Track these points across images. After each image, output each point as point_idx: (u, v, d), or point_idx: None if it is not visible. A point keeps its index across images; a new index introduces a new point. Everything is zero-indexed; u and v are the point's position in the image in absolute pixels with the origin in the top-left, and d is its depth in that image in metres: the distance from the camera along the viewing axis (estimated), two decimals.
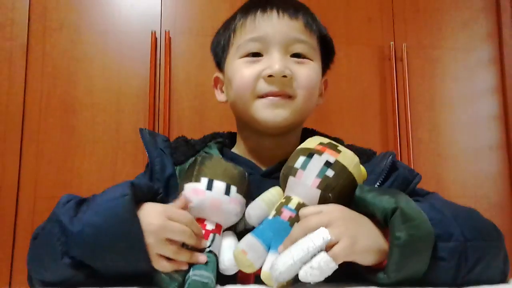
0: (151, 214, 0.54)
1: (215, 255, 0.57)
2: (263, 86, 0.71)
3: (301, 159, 0.58)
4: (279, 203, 0.58)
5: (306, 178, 0.56)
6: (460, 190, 1.76)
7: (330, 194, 0.55)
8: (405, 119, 1.74)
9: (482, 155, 1.80)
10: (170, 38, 1.63)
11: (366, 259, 0.52)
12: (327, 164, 0.56)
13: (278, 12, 0.73)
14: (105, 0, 1.64)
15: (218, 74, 0.82)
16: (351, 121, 1.72)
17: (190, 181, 0.60)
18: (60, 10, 1.61)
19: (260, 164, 0.76)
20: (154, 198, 0.61)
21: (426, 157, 1.76)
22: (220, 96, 0.83)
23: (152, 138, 0.74)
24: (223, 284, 0.56)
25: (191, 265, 0.55)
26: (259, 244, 0.54)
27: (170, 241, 0.54)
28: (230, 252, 0.57)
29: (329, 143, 0.60)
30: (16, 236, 1.47)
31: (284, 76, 0.69)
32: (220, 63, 0.81)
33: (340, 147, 0.59)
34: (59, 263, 0.53)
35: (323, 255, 0.49)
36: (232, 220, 0.61)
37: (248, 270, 0.55)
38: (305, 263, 0.49)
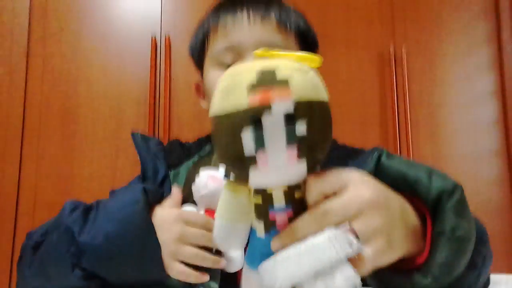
0: (167, 220, 0.53)
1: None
2: None
3: (247, 135, 0.34)
4: (255, 205, 0.39)
5: (275, 159, 0.35)
6: None
7: (319, 154, 0.37)
8: (404, 123, 1.74)
9: (482, 159, 1.80)
10: (170, 43, 1.64)
11: (398, 256, 0.39)
12: (289, 118, 0.34)
13: (248, 13, 0.70)
14: (105, 5, 1.65)
15: (199, 81, 0.81)
16: (351, 125, 1.72)
17: (208, 166, 0.58)
18: (60, 15, 1.62)
19: None
20: (160, 201, 0.60)
21: (426, 161, 1.76)
22: (203, 103, 0.81)
23: (145, 142, 0.73)
24: (224, 283, 0.55)
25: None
26: None
27: (191, 245, 0.53)
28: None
29: (261, 76, 0.35)
30: (16, 242, 1.47)
31: None
32: (199, 68, 0.79)
33: (279, 71, 0.35)
34: (69, 275, 0.52)
35: (347, 269, 0.34)
36: None
37: None
38: (318, 275, 0.34)
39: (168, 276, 0.52)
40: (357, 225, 0.36)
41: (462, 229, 0.39)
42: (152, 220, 0.52)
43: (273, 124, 0.34)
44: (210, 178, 0.57)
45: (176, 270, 0.52)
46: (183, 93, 1.62)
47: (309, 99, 0.35)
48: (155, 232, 0.51)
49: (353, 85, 1.75)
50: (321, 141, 0.36)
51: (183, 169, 0.71)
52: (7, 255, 1.45)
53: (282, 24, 0.71)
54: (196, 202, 0.58)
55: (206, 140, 0.79)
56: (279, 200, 0.37)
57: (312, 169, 0.38)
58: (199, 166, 0.59)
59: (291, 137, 0.34)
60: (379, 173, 0.45)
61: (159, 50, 1.63)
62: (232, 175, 0.40)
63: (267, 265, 0.36)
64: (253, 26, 0.69)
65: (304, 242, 0.35)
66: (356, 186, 0.38)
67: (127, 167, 1.55)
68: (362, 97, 1.75)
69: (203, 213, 0.58)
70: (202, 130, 1.61)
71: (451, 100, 1.82)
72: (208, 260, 0.53)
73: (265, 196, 0.38)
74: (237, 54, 0.70)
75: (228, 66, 0.69)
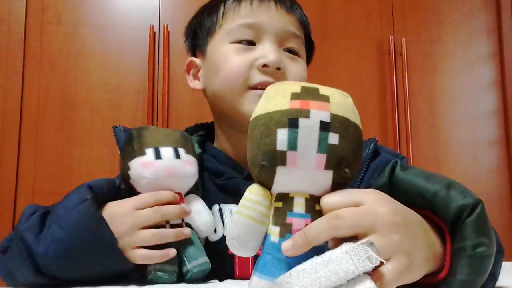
0: (117, 212, 0.52)
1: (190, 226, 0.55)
2: (256, 76, 0.66)
3: (282, 134, 0.36)
4: (274, 209, 0.39)
5: (304, 161, 0.37)
6: None
7: (346, 170, 0.37)
8: (404, 114, 1.74)
9: (481, 150, 1.80)
10: (168, 33, 1.63)
11: (419, 276, 0.38)
12: (324, 126, 0.36)
13: (276, 2, 0.70)
14: None
15: (193, 58, 0.76)
16: None
17: (134, 157, 0.55)
18: (57, 5, 1.61)
19: (243, 164, 0.69)
20: (117, 195, 0.58)
21: (425, 151, 1.76)
22: (194, 83, 0.76)
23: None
24: (221, 278, 0.56)
25: (180, 250, 0.53)
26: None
27: (145, 228, 0.52)
28: (202, 216, 0.56)
29: (305, 89, 0.38)
30: None
31: (278, 69, 0.66)
32: (200, 46, 0.75)
33: (322, 89, 0.39)
34: (34, 279, 0.51)
35: (368, 283, 0.33)
36: (190, 182, 0.58)
37: None
38: None
39: (135, 265, 0.52)
40: (377, 240, 0.34)
41: (483, 246, 0.38)
42: (103, 215, 0.52)
43: (308, 128, 0.36)
44: (142, 166, 0.55)
45: (140, 256, 0.51)
46: (181, 83, 1.61)
47: (347, 117, 0.37)
48: (108, 225, 0.51)
49: (353, 76, 1.75)
50: (350, 159, 0.37)
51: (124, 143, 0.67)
52: None
53: (302, 22, 0.73)
54: (142, 193, 0.56)
55: (192, 129, 0.77)
56: (299, 206, 0.38)
57: (336, 186, 0.38)
58: (125, 158, 0.57)
59: (323, 144, 0.36)
60: (394, 186, 0.45)
61: (157, 40, 1.62)
62: (256, 179, 0.40)
63: (282, 278, 0.34)
64: (279, 13, 0.70)
65: (320, 256, 0.34)
66: (373, 203, 0.38)
67: None
68: (361, 88, 1.75)
69: None
70: (200, 120, 1.60)
71: (451, 91, 1.82)
72: (169, 235, 0.52)
73: (286, 200, 0.38)
74: (258, 32, 0.68)
75: (247, 42, 0.68)
